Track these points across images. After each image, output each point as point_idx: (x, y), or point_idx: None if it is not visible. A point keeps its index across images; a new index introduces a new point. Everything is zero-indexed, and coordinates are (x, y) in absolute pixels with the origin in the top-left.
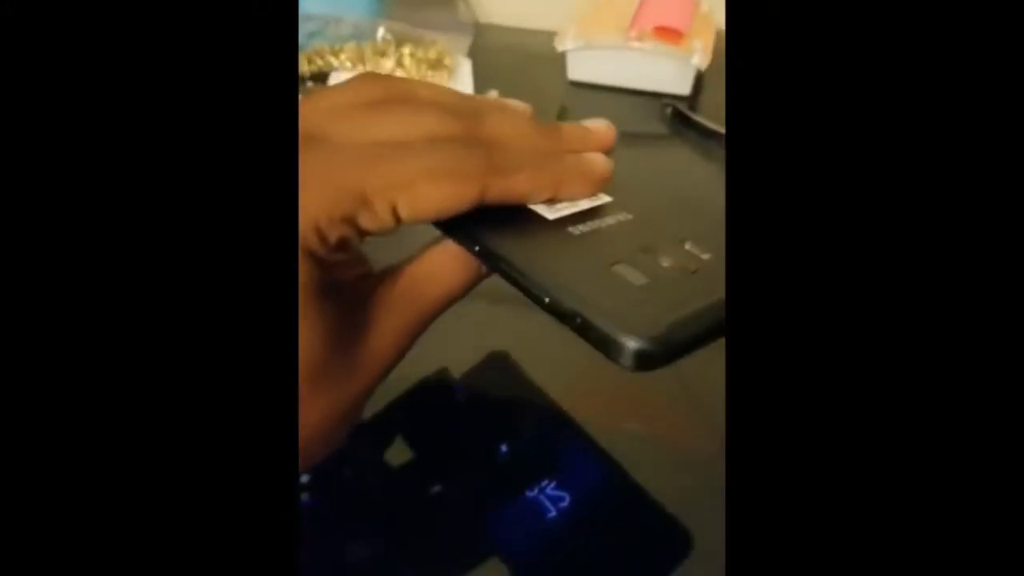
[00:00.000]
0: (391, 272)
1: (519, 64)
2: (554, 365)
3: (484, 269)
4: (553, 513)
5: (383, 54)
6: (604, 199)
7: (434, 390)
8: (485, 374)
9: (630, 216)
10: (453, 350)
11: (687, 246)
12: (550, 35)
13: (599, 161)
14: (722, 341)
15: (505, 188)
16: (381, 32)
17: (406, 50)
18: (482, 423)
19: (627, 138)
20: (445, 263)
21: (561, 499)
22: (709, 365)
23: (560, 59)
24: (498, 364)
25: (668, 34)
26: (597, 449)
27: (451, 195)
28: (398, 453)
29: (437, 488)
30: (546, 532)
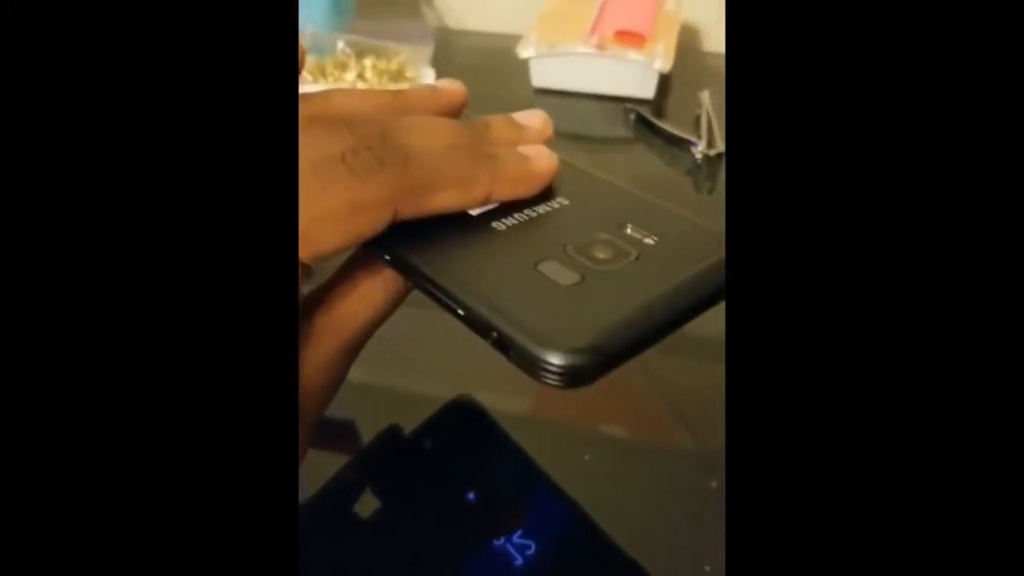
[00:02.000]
0: (307, 300)
1: (484, 71)
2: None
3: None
4: (520, 561)
5: (344, 67)
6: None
7: (400, 437)
8: (450, 419)
9: (566, 202)
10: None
11: (628, 230)
12: (516, 39)
13: (540, 156)
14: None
15: (422, 207)
16: (340, 45)
17: (368, 62)
18: (449, 471)
19: (590, 143)
20: (366, 280)
21: (528, 547)
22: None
23: (525, 65)
24: (463, 408)
25: (629, 38)
26: (563, 495)
27: (349, 231)
28: (365, 504)
29: (404, 538)
30: None
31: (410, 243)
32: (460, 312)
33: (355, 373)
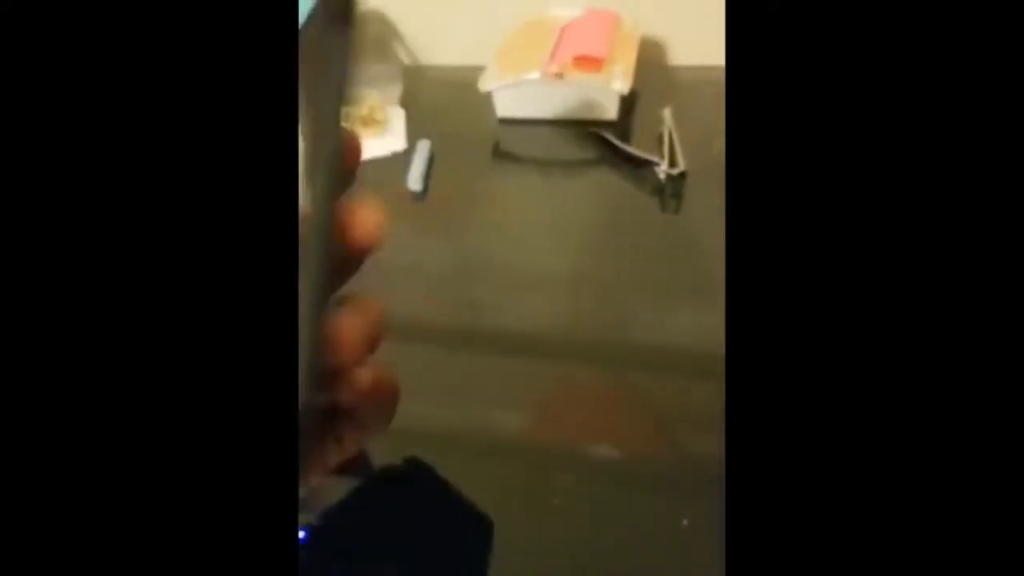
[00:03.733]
0: None
1: (451, 106)
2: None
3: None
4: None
5: None
6: None
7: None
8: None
9: None
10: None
11: None
12: (483, 70)
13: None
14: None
15: None
16: None
17: None
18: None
19: (554, 168)
20: None
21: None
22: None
23: (490, 96)
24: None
25: (588, 62)
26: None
27: None
28: None
29: None
30: None
31: None
32: None
33: None
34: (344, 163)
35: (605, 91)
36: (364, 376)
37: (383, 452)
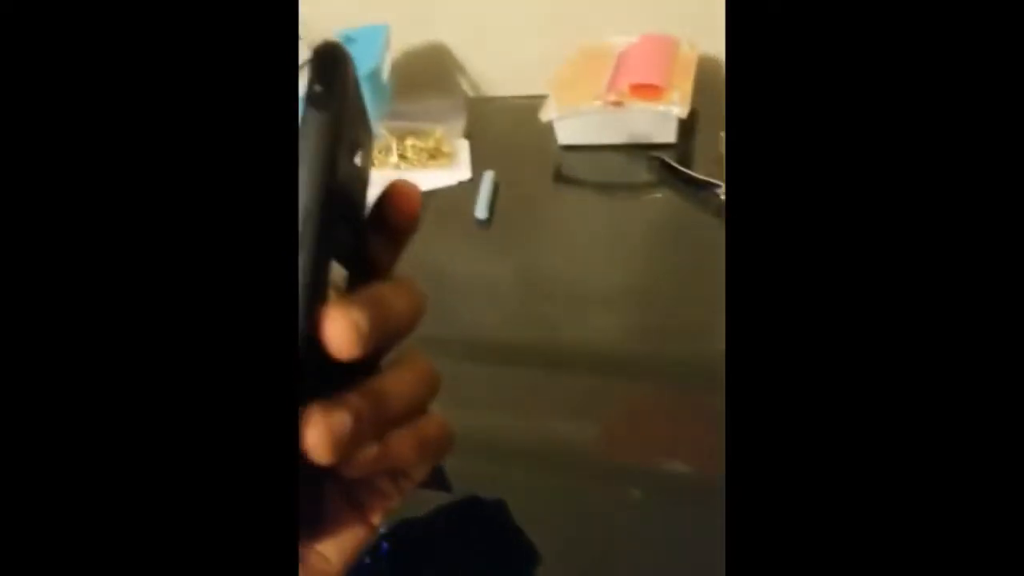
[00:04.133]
0: None
1: (514, 134)
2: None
3: None
4: None
5: (388, 150)
6: None
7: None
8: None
9: None
10: None
11: None
12: (543, 99)
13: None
14: None
15: None
16: (382, 131)
17: (408, 143)
18: None
19: (616, 191)
20: None
21: None
22: None
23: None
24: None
25: (646, 90)
26: None
27: None
28: None
29: None
30: None
31: None
32: None
33: None
34: (404, 211)
35: (664, 117)
36: (424, 428)
37: (454, 467)
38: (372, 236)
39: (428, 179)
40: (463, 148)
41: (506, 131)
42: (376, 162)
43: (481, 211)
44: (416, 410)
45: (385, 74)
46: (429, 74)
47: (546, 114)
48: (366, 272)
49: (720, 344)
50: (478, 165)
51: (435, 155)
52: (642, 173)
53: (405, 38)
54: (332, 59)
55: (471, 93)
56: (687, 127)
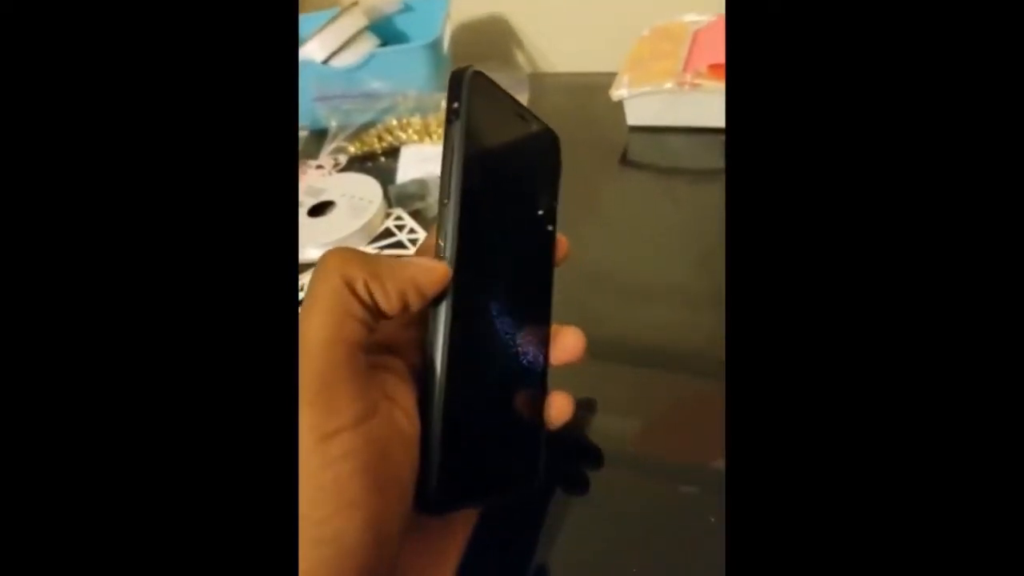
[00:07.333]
0: None
1: (579, 113)
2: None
3: None
4: None
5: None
6: None
7: None
8: None
9: None
10: None
11: None
12: (609, 76)
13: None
14: None
15: None
16: (443, 104)
17: None
18: None
19: (688, 176)
20: None
21: None
22: None
23: (619, 103)
24: None
25: (723, 70)
26: None
27: None
28: None
29: None
30: None
31: None
32: None
33: None
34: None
35: None
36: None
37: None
38: None
39: None
40: None
41: (569, 109)
42: (435, 136)
43: None
44: None
45: (445, 45)
46: (491, 47)
47: (617, 92)
48: None
49: None
50: None
51: None
52: (713, 158)
53: (467, 9)
54: (458, 81)
55: (528, 69)
56: None
